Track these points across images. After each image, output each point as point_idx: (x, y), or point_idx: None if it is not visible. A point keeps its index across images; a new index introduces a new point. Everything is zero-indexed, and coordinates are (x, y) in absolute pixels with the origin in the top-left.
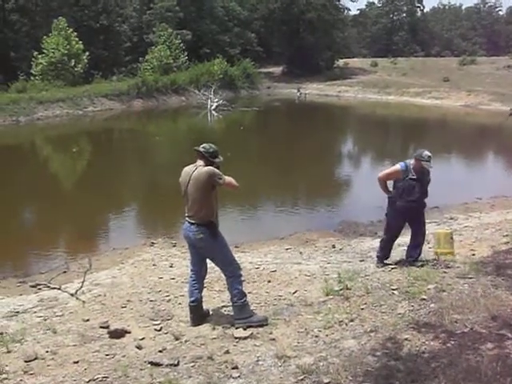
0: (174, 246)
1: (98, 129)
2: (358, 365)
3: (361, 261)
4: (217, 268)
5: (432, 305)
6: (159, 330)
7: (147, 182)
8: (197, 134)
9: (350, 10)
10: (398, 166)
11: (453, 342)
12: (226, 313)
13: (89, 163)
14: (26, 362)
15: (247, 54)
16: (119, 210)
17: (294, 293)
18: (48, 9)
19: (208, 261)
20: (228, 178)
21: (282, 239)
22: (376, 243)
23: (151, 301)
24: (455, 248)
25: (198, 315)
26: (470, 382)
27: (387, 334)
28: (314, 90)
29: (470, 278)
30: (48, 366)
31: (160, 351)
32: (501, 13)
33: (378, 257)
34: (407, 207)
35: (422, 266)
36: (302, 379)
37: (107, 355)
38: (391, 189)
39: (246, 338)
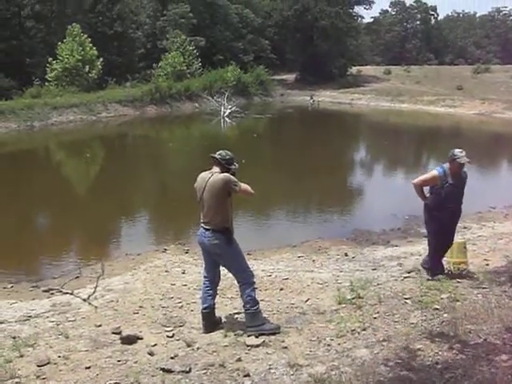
0: (187, 252)
1: (112, 134)
2: (371, 374)
3: (373, 269)
4: (229, 275)
5: (445, 315)
6: (171, 337)
7: (160, 188)
8: (210, 140)
9: (363, 17)
10: (436, 172)
11: (466, 353)
12: (238, 320)
13: (102, 168)
14: (38, 366)
15: (261, 60)
16: (132, 216)
17: (306, 301)
18: (63, 15)
19: (221, 268)
20: (244, 185)
21: (294, 247)
22: (388, 251)
23: (163, 307)
24: (469, 258)
25: (211, 322)
26: None
27: (400, 344)
28: (327, 98)
29: (484, 288)
30: (60, 370)
31: (172, 358)
32: None
33: (425, 268)
34: (447, 215)
35: (431, 279)
36: None
37: (119, 361)
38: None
39: (257, 346)
